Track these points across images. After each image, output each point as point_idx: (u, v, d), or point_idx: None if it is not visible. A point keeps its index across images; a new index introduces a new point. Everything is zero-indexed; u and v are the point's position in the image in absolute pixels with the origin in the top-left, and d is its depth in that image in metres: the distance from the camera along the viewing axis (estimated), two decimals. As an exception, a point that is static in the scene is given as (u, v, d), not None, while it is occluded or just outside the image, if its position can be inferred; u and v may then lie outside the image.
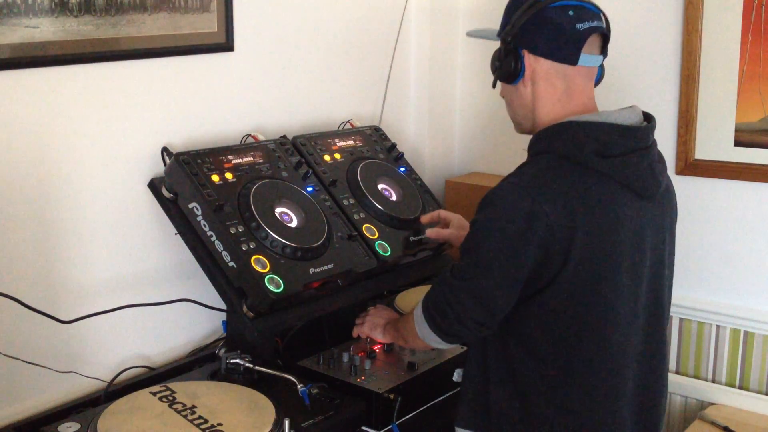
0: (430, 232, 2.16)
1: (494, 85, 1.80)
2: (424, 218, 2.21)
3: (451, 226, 2.16)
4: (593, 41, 1.70)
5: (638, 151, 1.66)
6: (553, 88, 1.71)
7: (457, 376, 1.89)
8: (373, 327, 2.08)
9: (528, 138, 1.78)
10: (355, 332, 2.13)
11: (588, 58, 1.69)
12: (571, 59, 1.68)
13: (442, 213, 2.19)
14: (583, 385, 1.69)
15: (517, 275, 1.63)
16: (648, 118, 1.74)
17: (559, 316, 1.66)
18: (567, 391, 1.69)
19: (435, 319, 1.73)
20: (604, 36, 1.72)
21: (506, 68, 1.72)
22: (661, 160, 1.76)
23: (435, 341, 1.76)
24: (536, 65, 1.70)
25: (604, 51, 1.73)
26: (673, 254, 1.84)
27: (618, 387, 1.72)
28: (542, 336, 1.68)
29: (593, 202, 1.63)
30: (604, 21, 1.71)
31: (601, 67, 1.77)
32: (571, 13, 1.66)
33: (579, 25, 1.66)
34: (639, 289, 1.71)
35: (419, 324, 1.77)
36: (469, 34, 1.91)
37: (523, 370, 1.70)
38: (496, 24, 1.80)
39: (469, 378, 1.80)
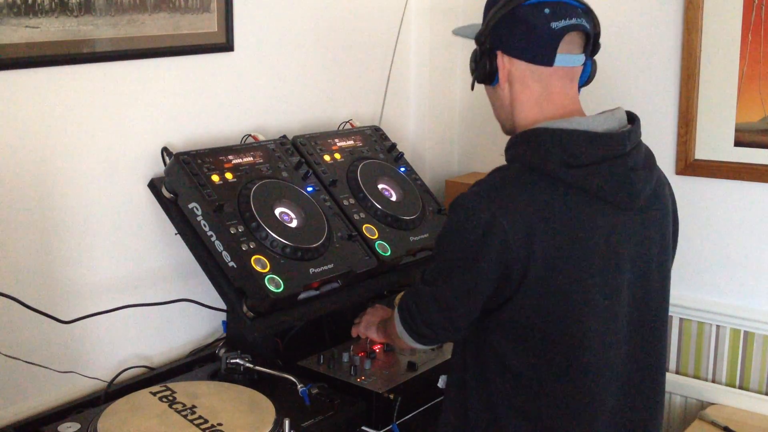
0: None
1: (472, 87, 1.75)
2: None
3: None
4: (572, 40, 1.61)
5: (611, 160, 1.57)
6: (529, 90, 1.64)
7: (441, 382, 1.88)
8: (368, 326, 2.09)
9: None
10: (354, 332, 2.13)
11: (566, 57, 1.61)
12: (546, 60, 1.60)
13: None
14: (554, 401, 1.63)
15: (475, 286, 1.58)
16: (632, 120, 1.66)
17: (525, 330, 1.60)
18: (537, 406, 1.63)
19: (407, 320, 1.72)
20: (588, 34, 1.63)
21: (482, 70, 1.67)
22: (646, 166, 1.64)
23: (410, 341, 1.75)
24: (511, 67, 1.64)
25: (587, 49, 1.65)
26: (666, 265, 1.75)
27: (593, 406, 1.65)
28: (511, 348, 1.62)
29: (556, 215, 1.56)
30: (589, 17, 1.62)
31: (592, 65, 1.69)
32: (546, 11, 1.58)
33: (554, 24, 1.57)
34: (617, 306, 1.63)
35: (397, 324, 1.76)
36: (455, 32, 1.83)
37: (496, 381, 1.65)
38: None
39: (451, 385, 1.76)
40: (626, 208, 1.61)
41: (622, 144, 1.59)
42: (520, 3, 1.59)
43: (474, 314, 1.63)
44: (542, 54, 1.60)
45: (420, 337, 1.73)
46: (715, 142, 2.46)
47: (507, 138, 1.77)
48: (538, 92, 1.64)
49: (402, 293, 2.43)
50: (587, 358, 1.62)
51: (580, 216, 1.57)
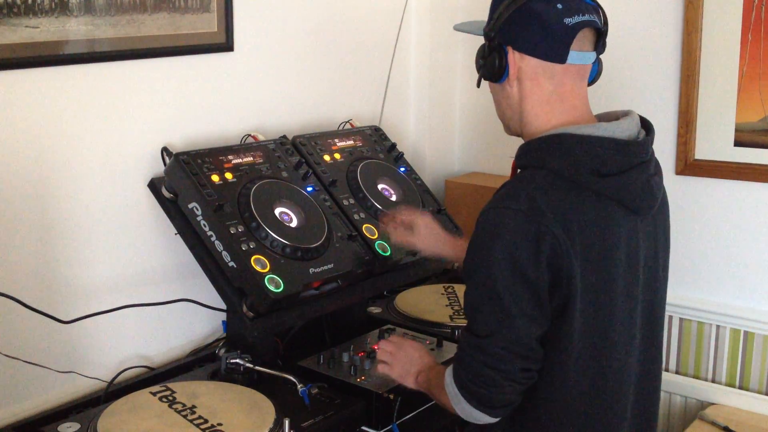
0: (396, 239, 2.06)
1: (478, 84, 1.68)
2: (386, 222, 2.10)
3: (416, 230, 2.02)
4: (584, 37, 1.56)
5: (636, 167, 1.56)
6: (540, 89, 1.58)
7: None
8: (403, 374, 1.83)
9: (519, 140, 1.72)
10: (381, 370, 1.87)
11: (578, 55, 1.55)
12: (559, 57, 1.54)
13: (405, 216, 2.06)
14: (580, 419, 1.60)
15: (542, 302, 1.51)
16: (646, 125, 1.64)
17: (565, 350, 1.56)
18: (564, 420, 1.60)
19: (478, 393, 1.55)
20: (599, 31, 1.59)
21: (490, 66, 1.59)
22: (657, 171, 1.64)
23: (482, 419, 1.58)
24: (521, 63, 1.57)
25: (598, 47, 1.60)
26: (667, 268, 1.74)
27: (617, 417, 1.64)
28: (545, 374, 1.57)
29: (589, 224, 1.52)
30: (600, 14, 1.59)
31: (598, 64, 1.65)
32: (559, 6, 1.52)
33: (567, 20, 1.52)
34: (634, 311, 1.62)
35: (458, 405, 1.59)
36: (456, 28, 1.76)
37: (524, 409, 1.60)
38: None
39: None
40: (644, 213, 1.60)
41: (646, 152, 1.58)
42: None
43: (544, 333, 1.54)
44: (555, 50, 1.55)
45: (496, 409, 1.57)
46: (715, 142, 2.46)
47: (507, 138, 1.75)
48: (549, 91, 1.58)
49: (402, 294, 2.45)
50: (612, 369, 1.60)
51: (609, 224, 1.55)
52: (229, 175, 2.03)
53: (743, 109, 2.41)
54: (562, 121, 1.59)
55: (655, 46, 2.52)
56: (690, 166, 2.50)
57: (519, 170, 1.63)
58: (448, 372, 1.61)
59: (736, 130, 2.43)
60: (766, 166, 2.39)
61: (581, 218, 1.51)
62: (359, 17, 2.62)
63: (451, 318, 2.34)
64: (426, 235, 2.02)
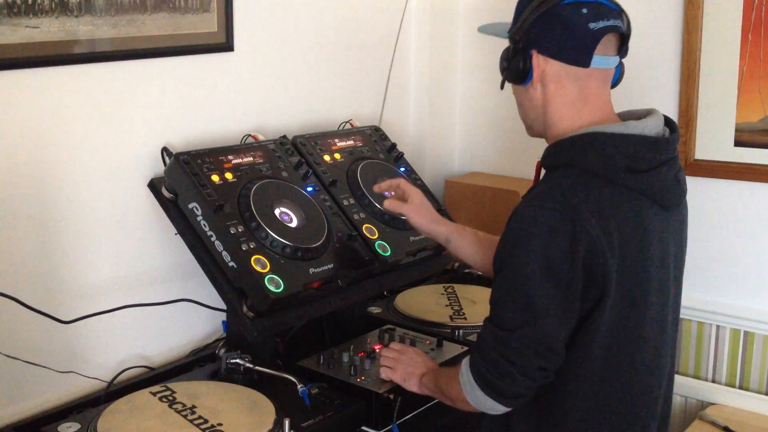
0: (388, 203, 1.97)
1: (502, 86, 1.70)
2: (382, 185, 2.04)
3: (410, 202, 1.97)
4: (608, 41, 1.59)
5: (665, 164, 1.58)
6: (564, 92, 1.60)
7: None
8: (407, 377, 1.89)
9: (534, 140, 1.72)
10: (384, 374, 1.94)
11: (602, 59, 1.59)
12: (583, 61, 1.57)
13: (402, 184, 2.01)
14: (613, 416, 1.61)
15: (572, 301, 1.52)
16: (670, 123, 1.66)
17: (593, 341, 1.57)
18: (597, 425, 1.60)
19: (492, 383, 1.57)
20: (622, 35, 1.62)
21: (514, 69, 1.62)
22: (681, 168, 1.67)
23: (494, 408, 1.60)
24: (546, 66, 1.60)
25: (621, 51, 1.64)
26: (684, 264, 1.76)
27: (648, 411, 1.64)
28: (571, 369, 1.58)
29: (625, 221, 1.54)
30: (624, 19, 1.61)
31: (621, 67, 1.67)
32: (584, 11, 1.55)
33: (592, 25, 1.55)
34: (666, 306, 1.64)
35: (470, 393, 1.61)
36: (481, 30, 1.78)
37: (550, 404, 1.60)
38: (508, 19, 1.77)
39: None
40: (673, 209, 1.63)
41: (674, 148, 1.62)
42: (558, 2, 1.57)
43: (567, 337, 1.55)
44: (579, 55, 1.57)
45: (510, 400, 1.58)
46: (715, 142, 2.46)
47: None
48: (574, 94, 1.61)
49: (402, 294, 2.45)
50: (644, 363, 1.62)
51: (644, 220, 1.57)
52: (229, 175, 2.03)
53: (743, 109, 2.41)
54: (588, 121, 1.61)
55: (655, 45, 2.52)
56: (690, 166, 2.50)
57: (545, 171, 1.65)
58: (465, 361, 1.64)
59: (736, 130, 2.43)
60: (766, 166, 2.40)
61: (617, 215, 1.54)
62: (359, 17, 2.62)
63: (451, 318, 2.34)
64: (419, 206, 1.97)
